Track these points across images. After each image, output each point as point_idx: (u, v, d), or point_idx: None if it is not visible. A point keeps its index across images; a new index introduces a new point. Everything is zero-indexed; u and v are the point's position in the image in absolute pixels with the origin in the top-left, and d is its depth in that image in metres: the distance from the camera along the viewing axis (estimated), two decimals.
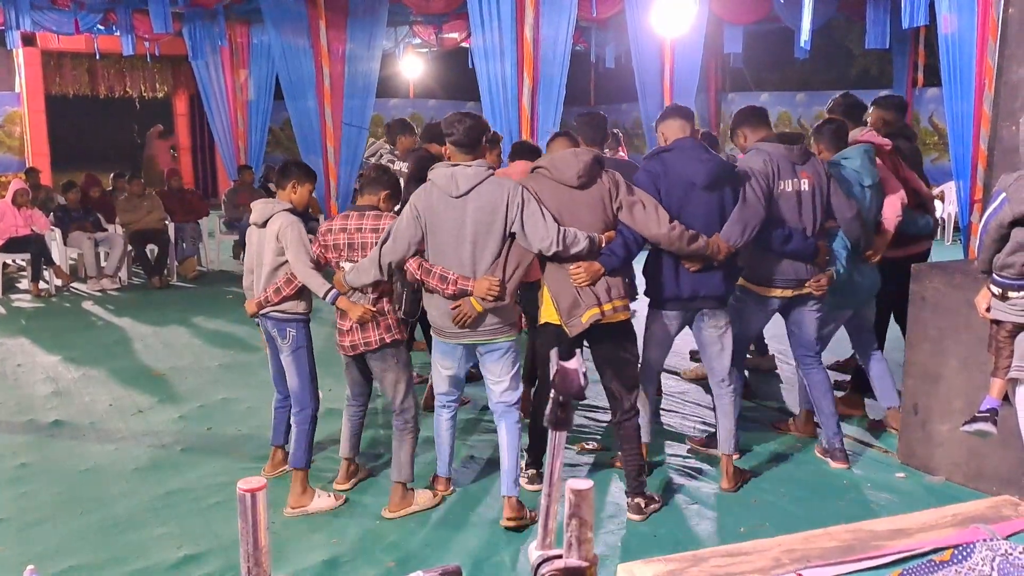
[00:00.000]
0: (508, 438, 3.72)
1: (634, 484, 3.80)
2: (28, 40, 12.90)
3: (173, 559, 3.47)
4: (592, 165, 3.64)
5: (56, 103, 15.38)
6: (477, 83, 6.96)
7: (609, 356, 3.79)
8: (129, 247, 9.30)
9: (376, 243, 3.66)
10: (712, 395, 4.20)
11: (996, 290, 3.24)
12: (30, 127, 14.56)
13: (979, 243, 3.26)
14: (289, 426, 4.16)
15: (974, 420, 3.38)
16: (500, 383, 3.71)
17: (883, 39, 10.55)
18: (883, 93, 5.70)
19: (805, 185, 4.09)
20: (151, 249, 9.38)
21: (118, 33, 10.75)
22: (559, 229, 3.50)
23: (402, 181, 4.81)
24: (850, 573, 1.49)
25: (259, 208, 3.96)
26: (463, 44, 12.62)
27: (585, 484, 1.15)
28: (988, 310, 3.30)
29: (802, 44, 8.76)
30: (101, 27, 11.02)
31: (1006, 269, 3.17)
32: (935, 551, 1.49)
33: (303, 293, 3.90)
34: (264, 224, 3.90)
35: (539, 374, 4.13)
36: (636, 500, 3.79)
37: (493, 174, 3.60)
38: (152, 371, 6.14)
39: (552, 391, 1.18)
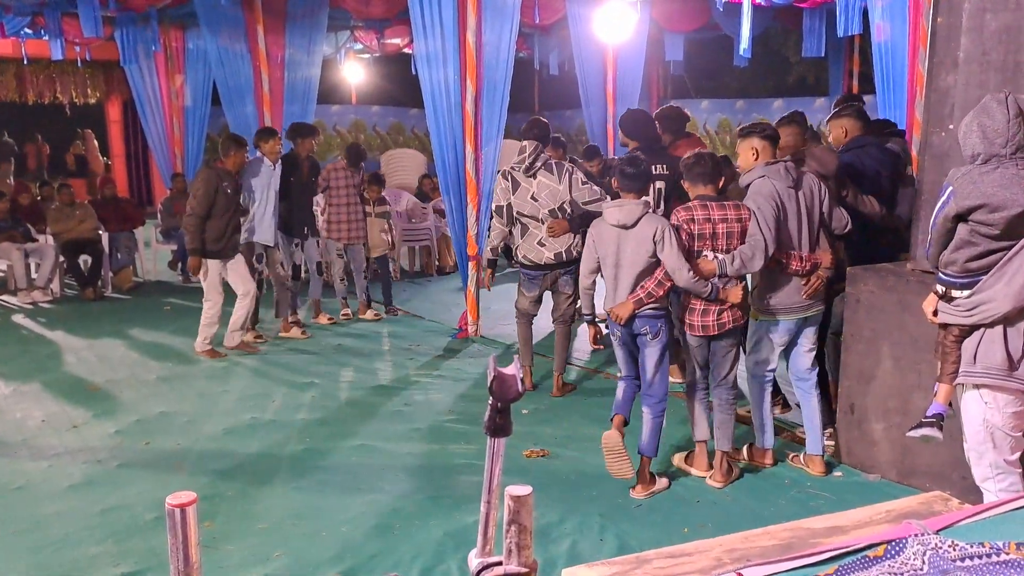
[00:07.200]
0: (817, 407, 4.30)
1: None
2: None
3: None
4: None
5: None
6: (420, 89, 6.93)
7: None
8: (61, 258, 9.02)
9: (737, 232, 4.03)
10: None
11: (940, 289, 3.14)
12: None
13: (928, 238, 3.18)
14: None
15: (920, 425, 3.28)
16: (812, 351, 4.31)
17: (819, 48, 10.81)
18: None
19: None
20: (84, 260, 9.11)
21: (47, 37, 10.44)
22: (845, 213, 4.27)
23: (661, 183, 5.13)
24: (789, 571, 1.51)
25: (626, 209, 4.09)
26: (405, 50, 12.56)
27: (524, 490, 1.14)
28: (935, 314, 3.19)
29: (741, 52, 8.92)
30: (29, 31, 10.68)
31: (950, 266, 3.08)
32: (869, 547, 1.51)
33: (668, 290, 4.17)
34: (633, 225, 4.05)
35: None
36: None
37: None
38: (87, 385, 5.97)
39: (491, 397, 1.18)
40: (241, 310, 6.66)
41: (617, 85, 10.96)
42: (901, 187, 4.95)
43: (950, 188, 3.01)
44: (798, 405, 5.02)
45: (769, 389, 4.37)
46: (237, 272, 6.55)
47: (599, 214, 4.90)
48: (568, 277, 5.51)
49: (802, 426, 4.44)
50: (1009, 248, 2.92)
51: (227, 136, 6.91)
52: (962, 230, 3.00)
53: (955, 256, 3.05)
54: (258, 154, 6.89)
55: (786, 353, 4.37)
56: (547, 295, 5.73)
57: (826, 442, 4.44)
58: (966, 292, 3.04)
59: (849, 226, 4.28)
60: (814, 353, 4.30)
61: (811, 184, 4.16)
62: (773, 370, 4.34)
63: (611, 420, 4.23)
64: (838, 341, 5.15)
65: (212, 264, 6.42)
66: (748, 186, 4.13)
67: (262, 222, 6.81)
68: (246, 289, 6.60)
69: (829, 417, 4.58)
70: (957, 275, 3.08)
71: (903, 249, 4.82)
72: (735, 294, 4.07)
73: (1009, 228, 2.89)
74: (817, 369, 4.32)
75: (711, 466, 4.26)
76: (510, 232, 5.53)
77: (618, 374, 4.39)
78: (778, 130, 4.36)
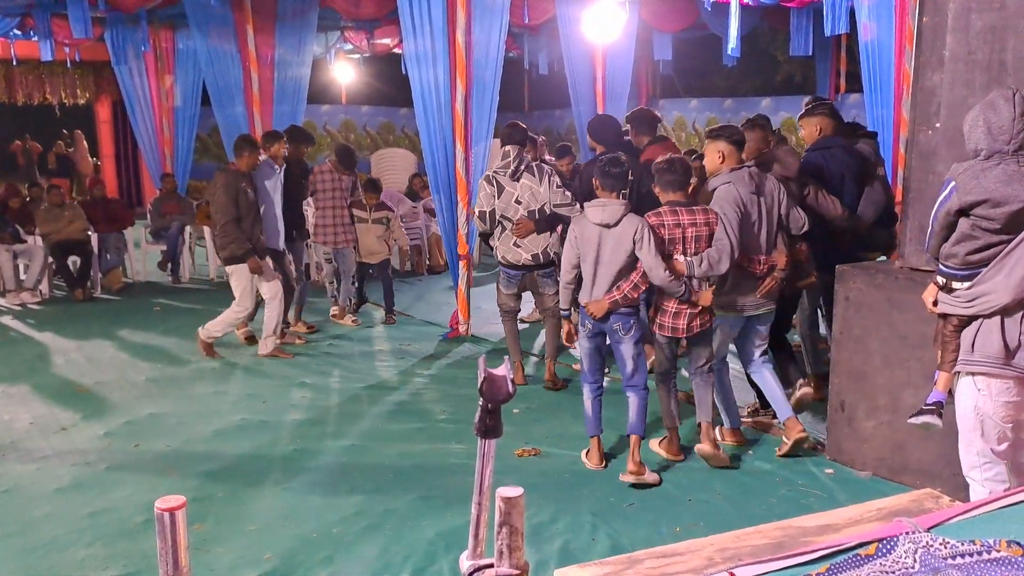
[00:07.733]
0: (773, 379, 4.49)
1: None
2: None
3: None
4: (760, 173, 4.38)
5: None
6: (410, 89, 6.92)
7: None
8: (50, 259, 8.96)
9: (705, 236, 4.15)
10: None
11: (940, 280, 3.21)
12: None
13: (929, 231, 3.24)
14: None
15: (920, 412, 3.34)
16: (764, 342, 4.52)
17: (806, 47, 10.85)
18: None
19: None
20: (73, 261, 9.06)
21: (36, 38, 10.37)
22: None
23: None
24: (780, 570, 1.51)
25: (609, 209, 4.15)
26: (395, 50, 12.53)
27: (515, 491, 1.14)
28: (935, 304, 3.25)
29: (729, 51, 8.94)
30: (18, 32, 10.60)
31: (950, 259, 3.14)
32: (860, 545, 1.52)
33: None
34: (615, 224, 4.12)
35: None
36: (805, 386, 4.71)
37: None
38: (76, 387, 5.93)
39: (480, 399, 1.17)
40: (272, 313, 6.46)
41: (606, 84, 10.96)
42: (867, 188, 5.04)
43: (952, 183, 3.06)
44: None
45: (728, 374, 4.59)
46: (264, 275, 6.40)
47: (566, 218, 5.12)
48: (548, 280, 5.59)
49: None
50: (1009, 241, 2.98)
51: (241, 137, 6.74)
52: (963, 224, 3.06)
53: (956, 249, 3.12)
54: (264, 157, 6.72)
55: (738, 347, 4.58)
56: (527, 296, 5.85)
57: (798, 392, 4.66)
58: (966, 284, 3.10)
59: (806, 227, 4.45)
60: (764, 347, 4.52)
61: (772, 188, 4.33)
62: (725, 357, 4.58)
63: (590, 438, 4.42)
64: (813, 335, 5.34)
65: (242, 269, 6.25)
66: (715, 189, 4.27)
67: (271, 225, 6.63)
68: (273, 292, 6.44)
69: (797, 372, 4.84)
70: (958, 267, 3.14)
71: (865, 248, 4.96)
72: (706, 297, 4.21)
73: (1009, 223, 2.95)
74: (767, 357, 4.54)
75: (680, 451, 4.46)
76: (491, 232, 5.66)
77: (581, 365, 4.51)
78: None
